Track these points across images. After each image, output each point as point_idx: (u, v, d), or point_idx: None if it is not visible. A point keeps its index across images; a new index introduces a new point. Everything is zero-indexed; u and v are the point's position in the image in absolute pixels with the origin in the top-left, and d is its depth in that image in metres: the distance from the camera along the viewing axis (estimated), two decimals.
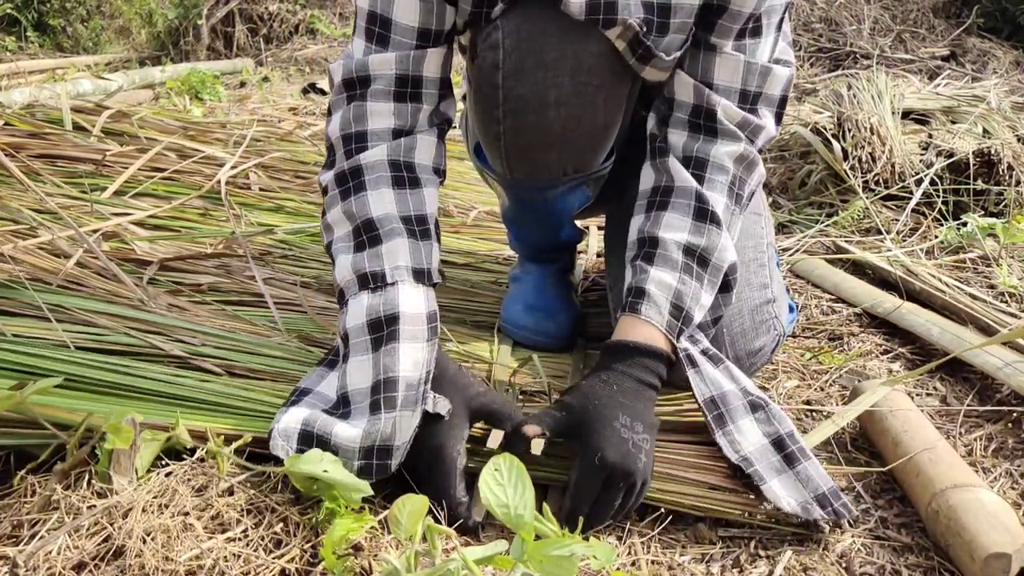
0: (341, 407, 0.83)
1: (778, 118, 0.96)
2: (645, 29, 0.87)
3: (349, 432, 0.79)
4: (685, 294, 0.89)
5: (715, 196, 0.92)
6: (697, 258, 0.90)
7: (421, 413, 0.79)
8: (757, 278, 1.02)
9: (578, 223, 1.18)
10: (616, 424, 0.80)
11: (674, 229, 0.91)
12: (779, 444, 0.84)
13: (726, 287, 0.93)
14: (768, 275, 1.04)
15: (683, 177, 0.92)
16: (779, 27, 0.93)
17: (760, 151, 0.95)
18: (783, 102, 0.95)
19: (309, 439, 0.79)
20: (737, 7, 0.87)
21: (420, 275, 0.86)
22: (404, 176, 0.89)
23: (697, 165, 0.92)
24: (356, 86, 0.89)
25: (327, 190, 0.91)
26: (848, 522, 0.83)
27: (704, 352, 0.90)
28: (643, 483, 0.79)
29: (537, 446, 0.80)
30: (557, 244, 1.19)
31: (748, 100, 0.92)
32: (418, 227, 0.88)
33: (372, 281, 0.85)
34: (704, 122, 0.93)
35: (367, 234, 0.87)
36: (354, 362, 0.83)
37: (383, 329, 0.83)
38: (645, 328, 0.88)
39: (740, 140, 0.92)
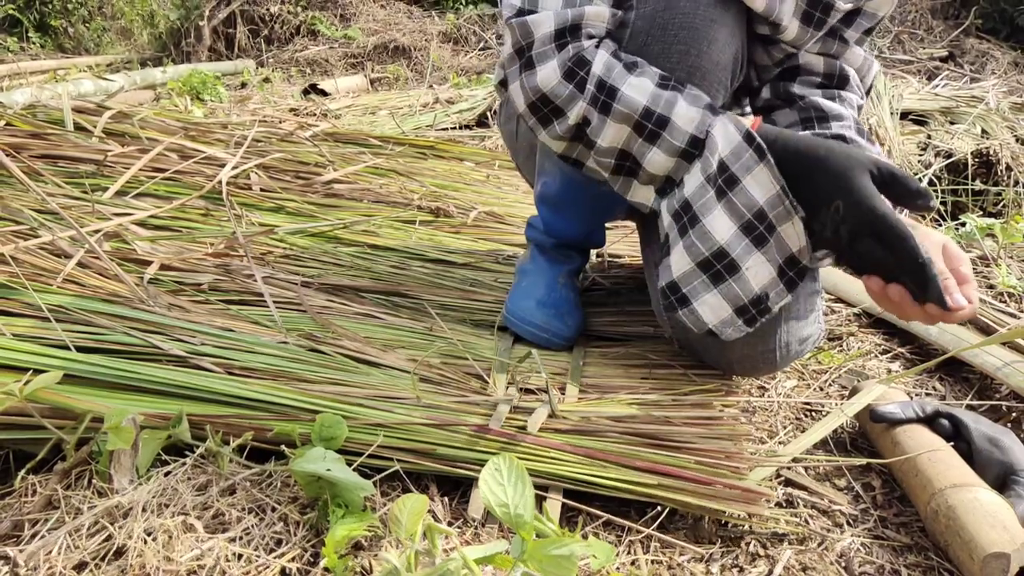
0: (717, 262, 0.86)
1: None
2: None
3: (761, 269, 0.85)
4: None
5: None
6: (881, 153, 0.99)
7: (800, 216, 0.83)
8: (810, 271, 1.04)
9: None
10: None
11: (855, 136, 0.99)
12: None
13: None
14: (816, 269, 1.06)
15: (833, 106, 1.01)
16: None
17: None
18: (869, 90, 1.11)
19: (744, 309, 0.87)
20: (873, 10, 0.99)
21: (712, 108, 0.86)
22: (630, 63, 0.89)
23: (839, 100, 1.03)
24: (567, 35, 0.89)
25: (587, 121, 0.89)
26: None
27: None
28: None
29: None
30: (588, 240, 1.20)
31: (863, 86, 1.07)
32: (672, 81, 0.88)
33: (692, 149, 0.86)
34: (836, 85, 1.04)
35: (650, 122, 0.87)
36: (709, 219, 0.86)
37: (717, 181, 0.85)
38: None
39: (863, 96, 1.06)
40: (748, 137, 0.83)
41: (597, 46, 0.89)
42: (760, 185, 0.83)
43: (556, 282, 1.18)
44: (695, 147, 0.86)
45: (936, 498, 0.79)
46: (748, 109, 1.20)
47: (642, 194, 0.92)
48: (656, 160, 0.88)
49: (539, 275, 1.19)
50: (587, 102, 0.88)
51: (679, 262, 0.88)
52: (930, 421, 0.92)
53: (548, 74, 0.89)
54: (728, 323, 0.88)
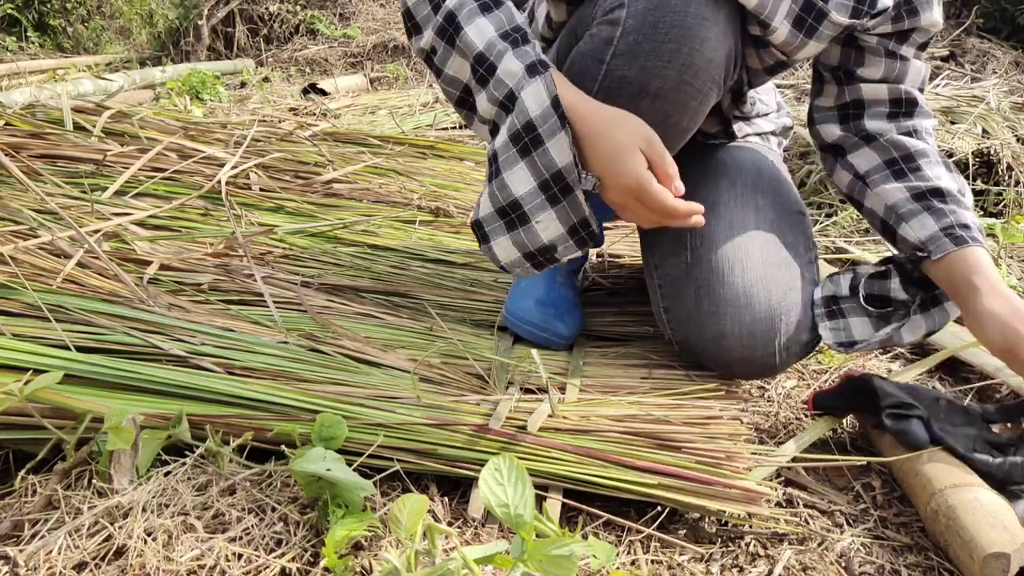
0: (512, 212, 0.91)
1: None
2: None
3: (551, 225, 0.90)
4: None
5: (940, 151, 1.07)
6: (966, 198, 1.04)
7: (583, 188, 0.89)
8: (808, 274, 1.06)
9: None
10: None
11: (946, 180, 1.02)
12: None
13: None
14: (816, 273, 1.08)
15: (915, 143, 1.04)
16: None
17: None
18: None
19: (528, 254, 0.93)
20: (927, 26, 1.01)
21: (533, 69, 0.88)
22: (488, 3, 0.92)
23: (916, 134, 1.06)
24: None
25: (434, 50, 0.94)
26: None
27: None
28: None
29: None
30: None
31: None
32: (517, 34, 0.91)
33: (507, 103, 0.89)
34: (904, 109, 1.06)
35: (482, 67, 0.90)
36: (509, 174, 0.89)
37: (522, 139, 0.87)
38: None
39: (932, 116, 1.08)
40: (555, 103, 0.86)
41: None
42: (560, 151, 0.87)
43: (555, 282, 1.18)
44: (510, 101, 0.89)
45: (936, 498, 0.79)
46: (747, 109, 1.20)
47: (480, 132, 0.96)
48: (482, 105, 0.92)
49: (538, 275, 1.18)
50: (435, 31, 0.92)
51: (484, 204, 0.93)
52: None
53: None
54: (517, 264, 0.94)
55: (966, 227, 0.97)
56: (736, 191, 1.08)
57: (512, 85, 0.88)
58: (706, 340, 1.02)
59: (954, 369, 1.20)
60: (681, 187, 0.88)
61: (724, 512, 0.81)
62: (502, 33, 0.90)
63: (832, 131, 1.09)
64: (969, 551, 0.73)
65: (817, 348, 1.07)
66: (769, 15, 0.92)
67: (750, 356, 1.01)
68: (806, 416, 1.07)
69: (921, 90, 1.07)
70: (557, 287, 1.17)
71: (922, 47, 1.05)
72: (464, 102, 0.95)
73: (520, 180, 0.89)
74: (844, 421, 1.02)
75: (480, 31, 0.90)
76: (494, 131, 0.93)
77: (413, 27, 0.96)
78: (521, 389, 0.99)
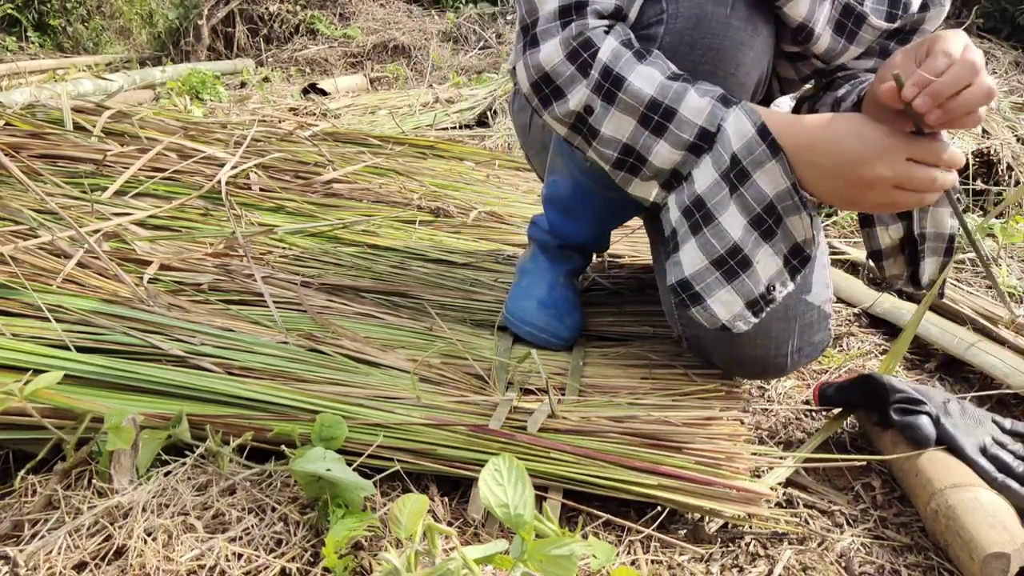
0: (731, 259, 0.85)
1: None
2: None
3: (769, 262, 0.86)
4: None
5: None
6: None
7: (809, 213, 0.84)
8: (822, 276, 1.05)
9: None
10: None
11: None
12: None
13: None
14: (828, 275, 1.07)
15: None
16: None
17: None
18: None
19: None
20: (930, 28, 1.00)
21: (725, 100, 0.84)
22: (641, 50, 0.87)
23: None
24: (572, 12, 0.86)
25: (589, 109, 0.86)
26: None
27: None
28: None
29: None
30: (593, 244, 1.20)
31: None
32: (684, 74, 0.86)
33: (701, 142, 0.84)
34: None
35: (656, 114, 0.84)
36: (724, 217, 0.84)
37: (729, 176, 0.83)
38: None
39: None
40: (762, 130, 0.82)
41: (607, 32, 0.86)
42: (771, 180, 0.82)
43: (557, 282, 1.18)
44: (704, 140, 0.84)
45: (936, 498, 0.79)
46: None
47: (644, 189, 0.90)
48: (662, 154, 0.86)
49: (540, 274, 1.18)
50: (591, 89, 0.85)
51: (691, 260, 0.87)
52: None
53: (550, 52, 0.87)
54: (739, 317, 0.88)
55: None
56: None
57: (702, 122, 0.83)
58: (719, 338, 1.02)
59: (954, 369, 1.20)
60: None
61: (724, 512, 0.81)
62: (670, 76, 0.85)
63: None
64: (969, 551, 0.73)
65: (822, 352, 1.07)
66: (814, 23, 0.91)
67: (763, 355, 1.00)
68: (807, 415, 1.07)
69: None
70: (559, 287, 1.17)
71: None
72: (622, 163, 0.88)
73: (734, 222, 0.84)
74: (844, 421, 1.02)
75: (647, 77, 0.84)
76: (670, 184, 0.88)
77: (553, 92, 0.88)
78: (521, 389, 0.99)
